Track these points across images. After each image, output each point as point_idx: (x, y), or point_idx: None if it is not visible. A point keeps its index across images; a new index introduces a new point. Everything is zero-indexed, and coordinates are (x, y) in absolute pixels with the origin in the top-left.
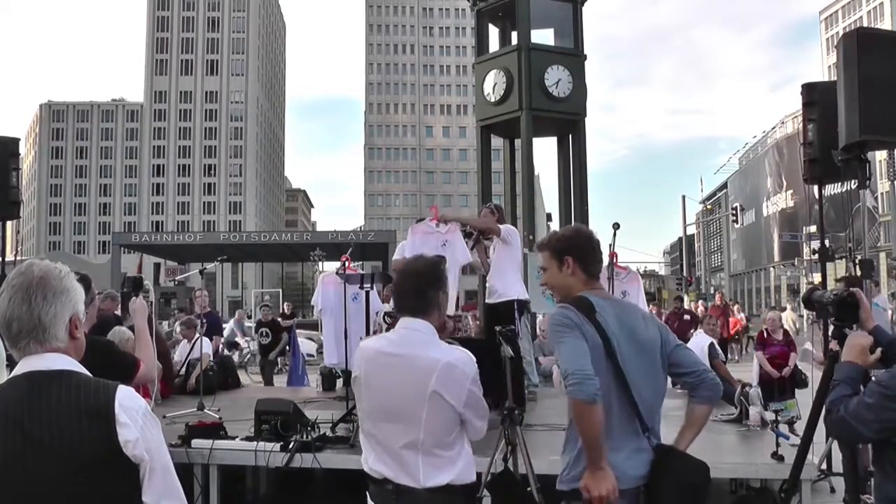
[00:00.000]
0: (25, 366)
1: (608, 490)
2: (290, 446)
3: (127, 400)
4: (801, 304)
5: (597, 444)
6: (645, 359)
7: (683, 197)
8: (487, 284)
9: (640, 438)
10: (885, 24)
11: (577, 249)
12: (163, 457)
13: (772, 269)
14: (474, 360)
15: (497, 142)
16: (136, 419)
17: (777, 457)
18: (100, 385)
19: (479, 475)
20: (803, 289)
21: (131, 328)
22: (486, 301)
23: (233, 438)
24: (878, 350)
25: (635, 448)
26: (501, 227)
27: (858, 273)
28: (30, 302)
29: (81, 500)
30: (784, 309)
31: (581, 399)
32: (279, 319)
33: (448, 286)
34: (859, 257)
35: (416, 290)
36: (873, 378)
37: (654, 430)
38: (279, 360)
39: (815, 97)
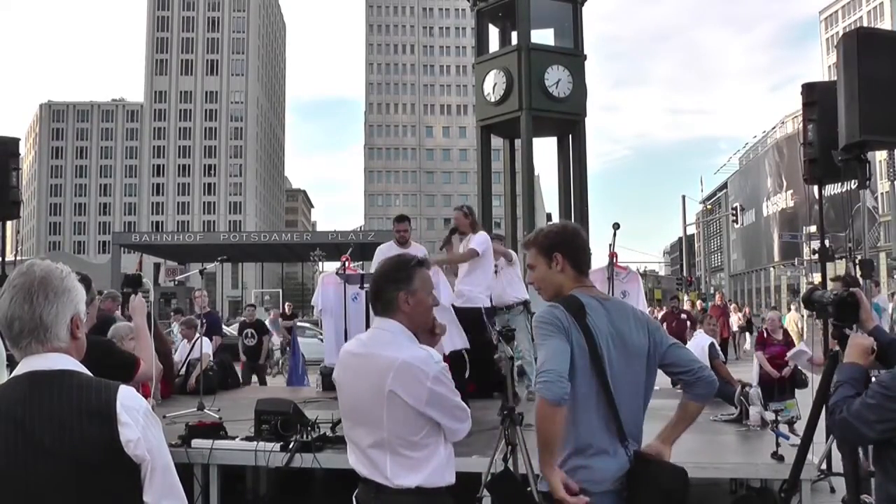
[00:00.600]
0: (27, 366)
1: (561, 495)
2: (290, 446)
3: (128, 400)
4: (802, 305)
5: (553, 447)
6: (632, 364)
7: (683, 197)
8: (456, 287)
9: (618, 445)
10: (885, 24)
11: (565, 245)
12: (164, 456)
13: (772, 269)
14: (438, 358)
15: (497, 142)
16: (137, 419)
17: (777, 457)
18: (101, 385)
19: (478, 475)
20: (803, 289)
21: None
22: (453, 304)
23: (233, 438)
24: (875, 349)
25: (614, 453)
26: (474, 239)
27: (858, 273)
28: (31, 301)
29: (83, 500)
30: (789, 310)
31: (548, 398)
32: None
33: (416, 285)
34: (859, 257)
35: (376, 289)
36: (874, 379)
37: (636, 438)
38: (279, 359)
39: (815, 97)
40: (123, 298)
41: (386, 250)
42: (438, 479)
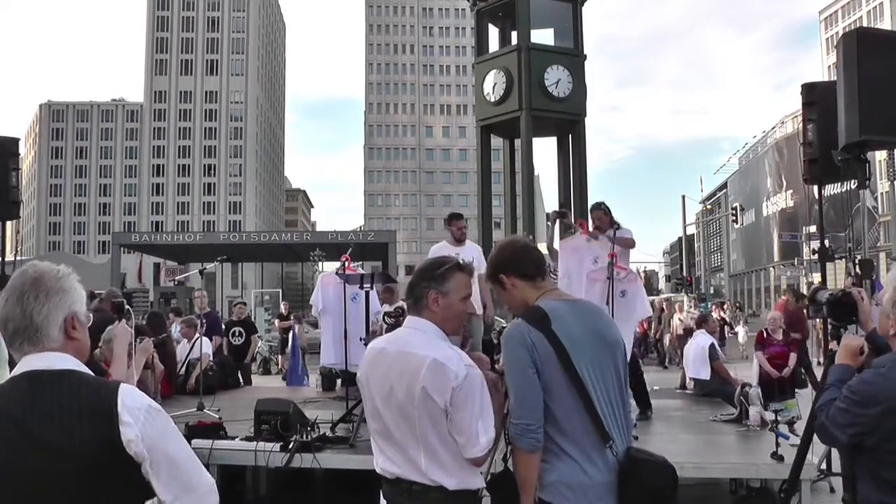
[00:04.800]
0: (25, 365)
1: None
2: (290, 446)
3: (129, 399)
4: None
5: (530, 490)
6: (609, 357)
7: (683, 197)
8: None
9: (602, 449)
10: (885, 24)
11: (504, 264)
12: (169, 451)
13: (772, 269)
14: (468, 360)
15: (497, 142)
16: (138, 417)
17: (777, 457)
18: (101, 384)
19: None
20: (803, 289)
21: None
22: None
23: (233, 438)
24: (865, 350)
25: (598, 457)
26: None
27: (858, 273)
28: (22, 302)
29: (84, 499)
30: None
31: (522, 448)
32: (276, 319)
33: (449, 287)
34: (859, 257)
35: (410, 284)
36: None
37: (621, 437)
38: (279, 358)
39: (815, 97)
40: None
41: (438, 250)
42: (476, 481)
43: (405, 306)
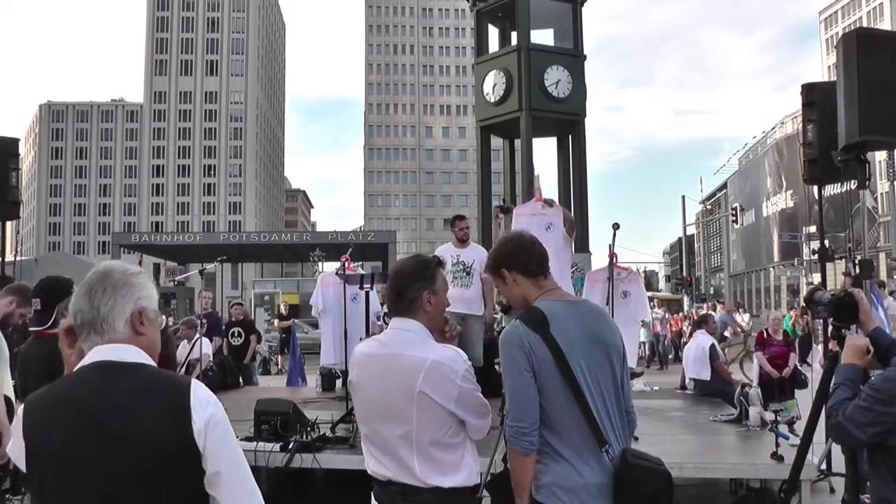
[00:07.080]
0: (94, 356)
1: None
2: (290, 446)
3: (201, 392)
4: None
5: (525, 491)
6: (608, 360)
7: (683, 197)
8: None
9: (598, 451)
10: (885, 24)
11: (507, 259)
12: (231, 447)
13: (772, 269)
14: (465, 357)
15: (497, 142)
16: (206, 409)
17: (777, 457)
18: (173, 378)
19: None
20: (803, 289)
21: None
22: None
23: None
24: (871, 349)
25: (593, 459)
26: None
27: (858, 273)
28: (90, 295)
29: (156, 492)
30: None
31: (516, 451)
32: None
33: (439, 285)
34: (859, 257)
35: (397, 289)
36: (871, 379)
37: (617, 440)
38: (278, 358)
39: (815, 97)
40: None
41: (442, 251)
42: (471, 479)
43: None
